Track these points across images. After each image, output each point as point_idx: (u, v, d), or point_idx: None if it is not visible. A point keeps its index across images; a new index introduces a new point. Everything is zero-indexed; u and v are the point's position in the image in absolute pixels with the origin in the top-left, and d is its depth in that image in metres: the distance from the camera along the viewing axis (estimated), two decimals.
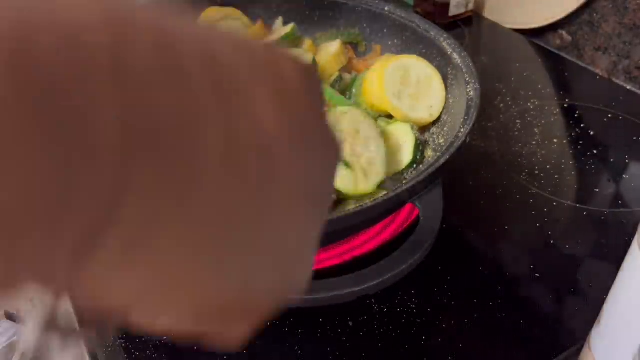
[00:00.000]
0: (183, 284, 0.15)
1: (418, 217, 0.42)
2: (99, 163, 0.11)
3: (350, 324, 0.45)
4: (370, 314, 0.45)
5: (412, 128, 0.53)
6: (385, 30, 0.65)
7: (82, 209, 0.11)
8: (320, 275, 0.47)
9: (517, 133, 0.65)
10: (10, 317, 0.46)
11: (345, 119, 0.46)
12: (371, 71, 0.56)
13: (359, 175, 0.46)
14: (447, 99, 0.55)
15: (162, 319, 0.16)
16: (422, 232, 0.39)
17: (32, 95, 0.10)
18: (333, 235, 0.43)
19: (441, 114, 0.54)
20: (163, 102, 0.13)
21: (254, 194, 0.15)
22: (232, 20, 0.65)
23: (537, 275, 0.48)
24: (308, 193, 0.17)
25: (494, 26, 0.90)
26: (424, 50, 0.60)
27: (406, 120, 0.53)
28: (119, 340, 0.44)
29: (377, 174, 0.47)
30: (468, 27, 0.90)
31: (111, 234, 0.12)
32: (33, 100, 0.10)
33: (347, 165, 0.46)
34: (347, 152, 0.46)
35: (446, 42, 0.57)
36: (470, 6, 0.91)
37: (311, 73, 0.18)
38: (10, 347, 0.43)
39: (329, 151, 0.19)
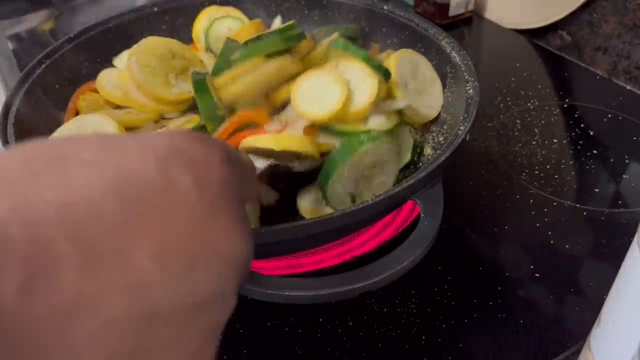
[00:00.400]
0: None
1: (418, 217, 0.42)
2: None
3: (350, 323, 0.45)
4: (371, 313, 0.45)
5: (410, 131, 0.52)
6: (384, 29, 0.65)
7: None
8: (321, 274, 0.47)
9: (517, 133, 0.65)
10: None
11: (367, 157, 0.45)
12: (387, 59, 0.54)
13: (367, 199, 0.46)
14: (446, 97, 0.55)
15: None
16: (423, 229, 0.39)
17: None
18: (335, 233, 0.43)
19: (440, 112, 0.54)
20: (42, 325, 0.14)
21: (131, 353, 0.17)
22: (231, 19, 0.65)
23: (537, 275, 0.48)
24: (195, 310, 0.19)
25: (494, 26, 0.90)
26: (422, 49, 0.60)
27: (408, 110, 0.52)
28: None
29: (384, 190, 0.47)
30: (468, 27, 0.90)
31: None
32: None
33: (354, 199, 0.46)
34: (359, 183, 0.46)
35: (445, 41, 0.57)
36: (470, 6, 0.91)
37: (213, 169, 0.19)
38: None
39: (223, 256, 0.19)
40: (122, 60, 0.62)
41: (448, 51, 0.56)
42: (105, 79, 0.58)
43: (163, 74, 0.53)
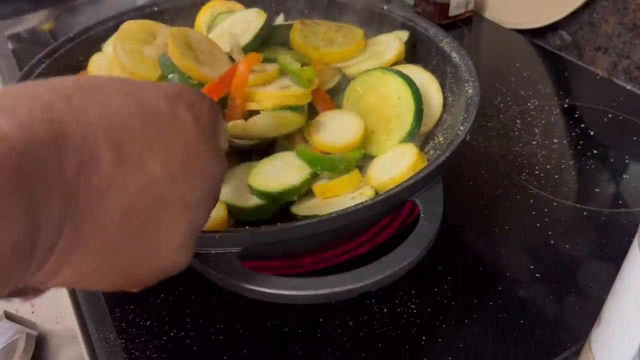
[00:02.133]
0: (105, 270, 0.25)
1: (418, 216, 0.42)
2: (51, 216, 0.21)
3: (350, 324, 0.45)
4: (370, 313, 0.45)
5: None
6: (384, 30, 0.65)
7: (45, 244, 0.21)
8: (321, 274, 0.47)
9: (517, 133, 0.65)
10: (10, 317, 0.46)
11: None
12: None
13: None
14: (446, 97, 0.55)
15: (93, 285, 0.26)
16: (423, 229, 0.39)
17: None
18: (334, 233, 0.43)
19: (442, 112, 0.54)
20: (83, 186, 0.21)
21: (142, 225, 0.25)
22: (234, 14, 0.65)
23: (537, 275, 0.48)
24: (186, 207, 0.26)
25: (494, 26, 0.90)
26: (422, 49, 0.60)
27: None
28: (118, 340, 0.44)
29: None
30: (468, 27, 0.90)
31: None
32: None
33: None
34: None
35: (445, 41, 0.57)
36: (470, 6, 0.91)
37: (204, 111, 0.28)
38: (11, 347, 0.43)
39: (208, 171, 0.28)
40: (110, 45, 0.61)
41: (448, 51, 0.56)
42: (96, 65, 0.58)
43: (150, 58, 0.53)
